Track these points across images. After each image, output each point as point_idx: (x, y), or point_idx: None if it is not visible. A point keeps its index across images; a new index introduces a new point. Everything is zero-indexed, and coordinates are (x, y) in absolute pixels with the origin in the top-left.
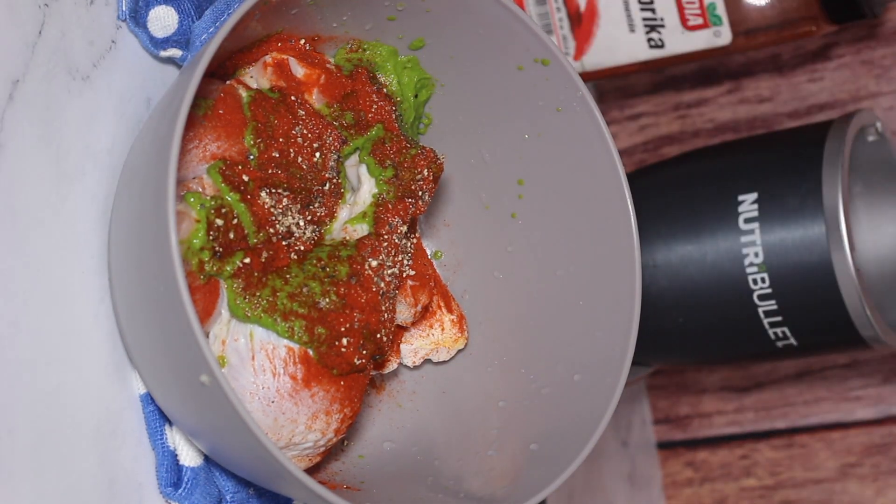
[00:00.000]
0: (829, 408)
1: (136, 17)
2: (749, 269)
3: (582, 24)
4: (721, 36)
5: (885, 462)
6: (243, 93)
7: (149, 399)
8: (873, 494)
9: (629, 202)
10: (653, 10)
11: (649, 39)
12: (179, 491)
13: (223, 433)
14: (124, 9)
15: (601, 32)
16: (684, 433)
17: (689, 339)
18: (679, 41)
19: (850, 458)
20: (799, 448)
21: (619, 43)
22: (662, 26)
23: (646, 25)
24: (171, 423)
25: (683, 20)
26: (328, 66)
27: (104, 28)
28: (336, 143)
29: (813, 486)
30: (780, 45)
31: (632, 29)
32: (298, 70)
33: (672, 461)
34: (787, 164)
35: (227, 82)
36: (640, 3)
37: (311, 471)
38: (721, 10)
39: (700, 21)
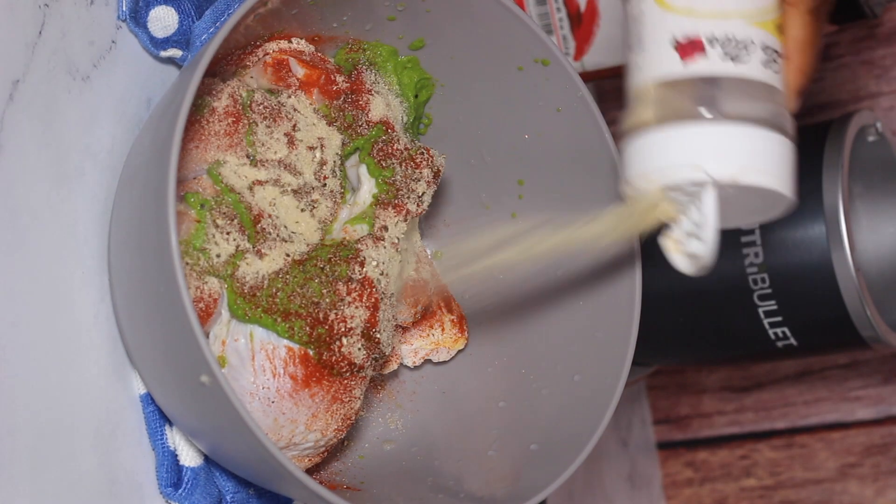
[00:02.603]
0: (829, 408)
1: (137, 17)
2: (749, 269)
3: (582, 24)
4: None
5: (885, 462)
6: (243, 93)
7: (149, 399)
8: (873, 494)
9: None
10: None
11: None
12: (179, 491)
13: (223, 433)
14: (124, 9)
15: (601, 32)
16: (684, 433)
17: (689, 339)
18: None
19: (849, 458)
20: (799, 448)
21: (619, 43)
22: None
23: None
24: (171, 424)
25: None
26: (328, 66)
27: (104, 28)
28: (336, 144)
29: (813, 487)
30: None
31: None
32: (298, 70)
33: (672, 461)
34: None
35: (228, 82)
36: None
37: (312, 471)
38: None
39: None
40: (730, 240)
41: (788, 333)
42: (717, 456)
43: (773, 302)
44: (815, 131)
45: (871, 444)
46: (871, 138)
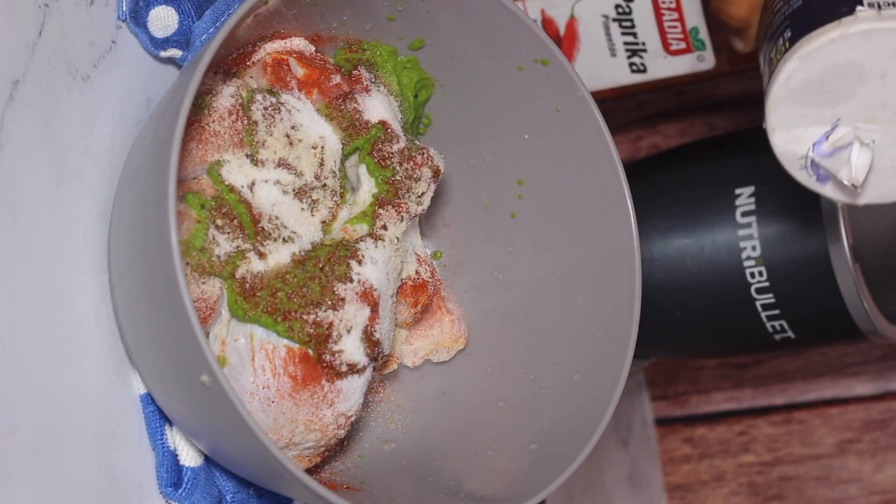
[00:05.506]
0: (828, 384)
1: (137, 17)
2: (746, 263)
3: (561, 49)
4: (705, 60)
5: (884, 437)
6: (243, 93)
7: (149, 399)
8: (871, 470)
9: (629, 202)
10: (634, 35)
11: (631, 64)
12: (180, 491)
13: (223, 433)
14: (124, 9)
15: (582, 57)
16: (682, 409)
17: (687, 332)
18: (662, 66)
19: (848, 433)
20: (797, 424)
21: (601, 68)
22: (644, 51)
23: (627, 50)
24: (171, 424)
25: (665, 45)
26: (328, 66)
27: (104, 28)
28: (335, 143)
29: (811, 462)
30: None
31: (613, 53)
32: (298, 70)
33: (670, 437)
34: None
35: (228, 82)
36: (621, 27)
37: (312, 471)
38: (704, 34)
39: (683, 46)
40: (727, 233)
41: (786, 326)
42: (715, 432)
43: (770, 295)
44: None
45: (870, 420)
46: None
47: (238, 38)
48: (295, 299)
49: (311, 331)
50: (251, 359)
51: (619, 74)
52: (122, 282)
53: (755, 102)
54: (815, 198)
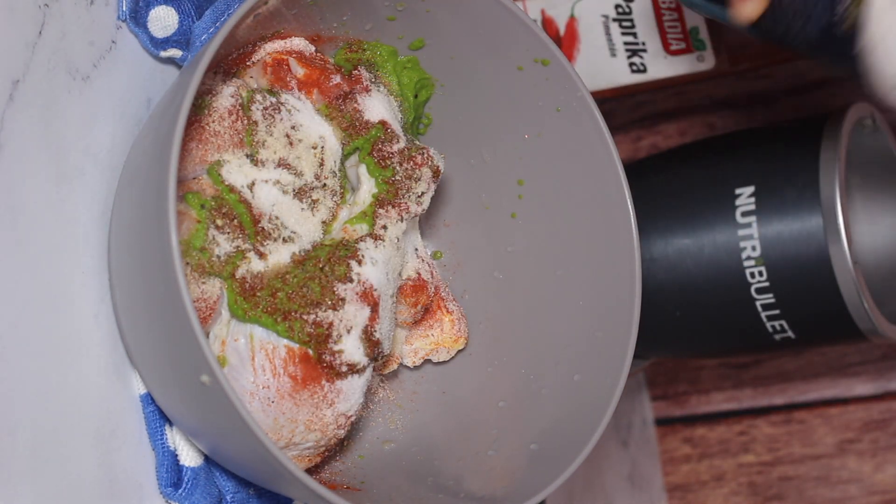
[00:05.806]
0: (828, 384)
1: (137, 17)
2: (746, 263)
3: (561, 48)
4: (705, 60)
5: (884, 438)
6: (243, 93)
7: (149, 399)
8: (871, 470)
9: (629, 202)
10: (634, 35)
11: (631, 64)
12: (180, 491)
13: (223, 433)
14: (124, 9)
15: (582, 57)
16: (682, 409)
17: (687, 332)
18: (662, 66)
19: (848, 433)
20: (797, 424)
21: (601, 67)
22: (644, 51)
23: (627, 50)
24: (171, 424)
25: (665, 45)
26: (328, 65)
27: (104, 28)
28: (335, 144)
29: (811, 462)
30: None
31: (613, 53)
32: (298, 70)
33: (670, 437)
34: (784, 157)
35: (228, 82)
36: (621, 27)
37: (312, 471)
38: (704, 34)
39: (682, 46)
40: (727, 233)
41: (786, 326)
42: (715, 432)
43: (770, 295)
44: (811, 124)
45: (870, 420)
46: (867, 130)
47: (238, 38)
48: (295, 299)
49: (311, 331)
50: (251, 359)
51: (619, 74)
52: (122, 282)
53: (755, 102)
54: (815, 198)
